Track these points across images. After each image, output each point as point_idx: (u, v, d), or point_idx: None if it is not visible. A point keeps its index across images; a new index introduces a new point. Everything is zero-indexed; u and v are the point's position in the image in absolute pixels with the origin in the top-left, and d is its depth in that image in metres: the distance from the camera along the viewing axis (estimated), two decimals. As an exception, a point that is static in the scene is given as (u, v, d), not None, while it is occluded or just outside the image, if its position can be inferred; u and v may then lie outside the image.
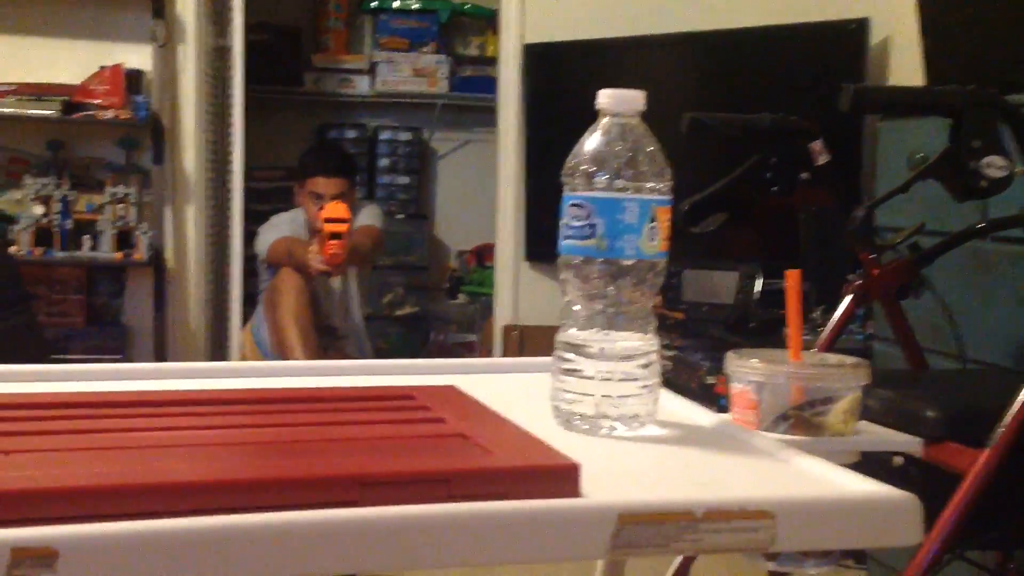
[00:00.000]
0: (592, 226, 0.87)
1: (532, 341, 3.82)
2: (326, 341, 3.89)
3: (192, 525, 0.57)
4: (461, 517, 0.62)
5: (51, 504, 0.57)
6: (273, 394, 0.85)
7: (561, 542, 0.64)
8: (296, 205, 3.98)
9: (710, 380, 2.85)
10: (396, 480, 0.65)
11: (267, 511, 0.60)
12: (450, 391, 0.91)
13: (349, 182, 3.90)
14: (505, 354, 3.84)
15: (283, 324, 3.63)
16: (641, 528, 0.64)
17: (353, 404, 0.84)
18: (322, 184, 3.81)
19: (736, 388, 0.95)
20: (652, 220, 0.88)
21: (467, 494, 0.65)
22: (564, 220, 0.89)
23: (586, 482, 0.69)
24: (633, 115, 0.89)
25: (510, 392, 1.02)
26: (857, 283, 1.87)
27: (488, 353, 4.20)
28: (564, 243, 0.89)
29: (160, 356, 3.72)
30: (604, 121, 0.89)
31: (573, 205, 0.88)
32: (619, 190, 0.87)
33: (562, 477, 0.68)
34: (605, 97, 0.89)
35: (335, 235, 3.48)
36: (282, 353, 3.65)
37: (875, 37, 3.25)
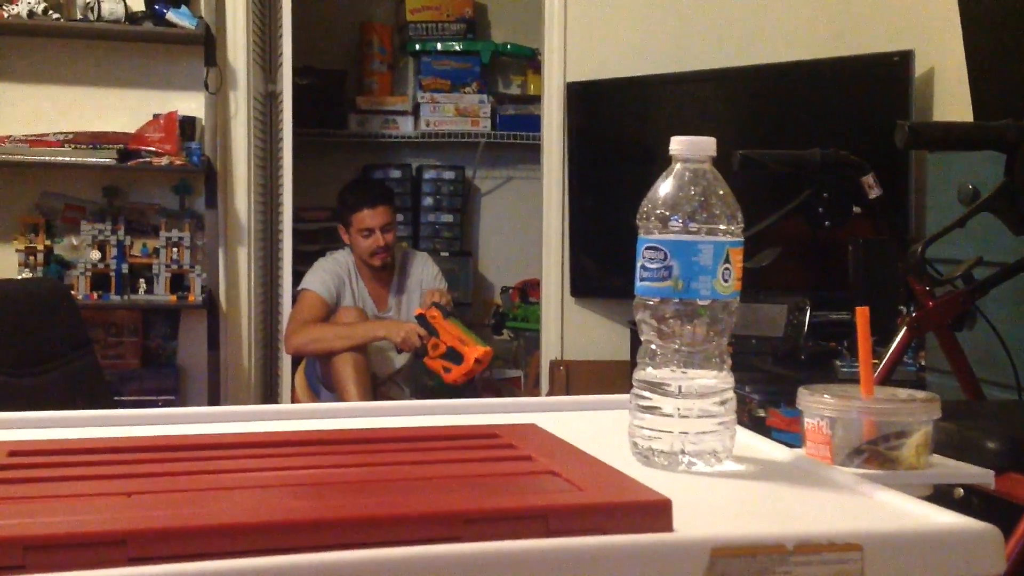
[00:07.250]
0: (668, 268, 0.90)
1: (578, 376, 3.84)
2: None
3: (311, 561, 0.60)
4: (560, 552, 0.65)
5: (183, 542, 0.60)
6: (367, 434, 0.89)
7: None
8: (345, 244, 4.03)
9: (760, 413, 2.85)
10: (498, 516, 0.68)
11: (376, 547, 0.63)
12: (532, 429, 0.94)
13: (391, 209, 3.98)
14: (552, 389, 3.86)
15: (339, 366, 3.69)
16: (734, 561, 0.67)
17: (443, 443, 0.87)
18: (368, 217, 3.87)
19: (809, 423, 0.97)
20: (726, 261, 0.91)
21: (564, 529, 0.68)
22: (640, 262, 0.92)
23: (676, 517, 0.71)
24: (704, 160, 0.92)
25: (582, 429, 1.05)
26: (912, 315, 1.89)
27: (535, 388, 4.22)
28: (640, 284, 0.92)
29: (214, 396, 3.78)
30: (676, 167, 0.92)
31: (649, 248, 0.91)
32: (693, 233, 0.90)
33: (655, 512, 0.70)
34: (677, 143, 0.92)
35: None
36: (337, 388, 3.70)
37: (919, 68, 3.26)
